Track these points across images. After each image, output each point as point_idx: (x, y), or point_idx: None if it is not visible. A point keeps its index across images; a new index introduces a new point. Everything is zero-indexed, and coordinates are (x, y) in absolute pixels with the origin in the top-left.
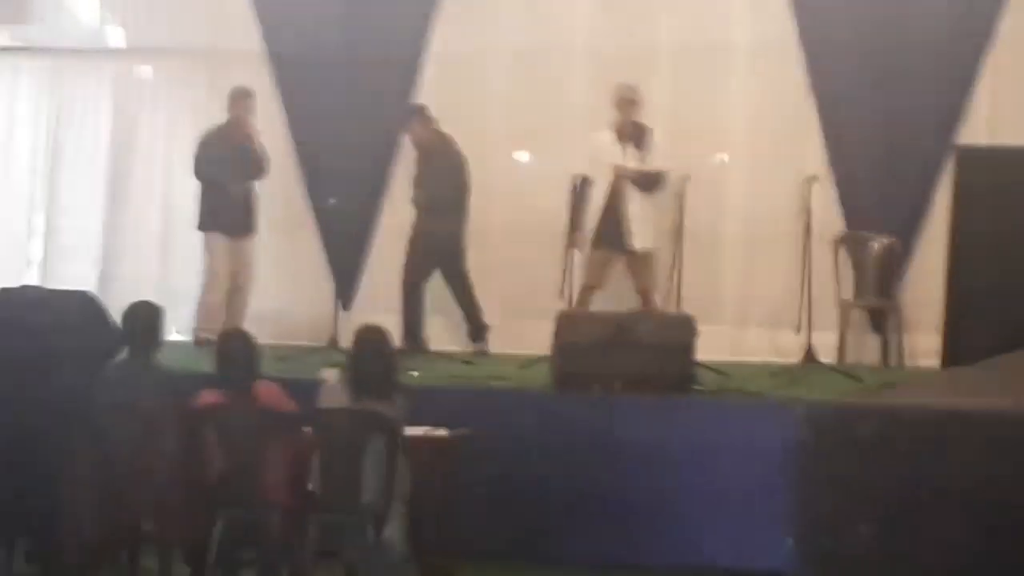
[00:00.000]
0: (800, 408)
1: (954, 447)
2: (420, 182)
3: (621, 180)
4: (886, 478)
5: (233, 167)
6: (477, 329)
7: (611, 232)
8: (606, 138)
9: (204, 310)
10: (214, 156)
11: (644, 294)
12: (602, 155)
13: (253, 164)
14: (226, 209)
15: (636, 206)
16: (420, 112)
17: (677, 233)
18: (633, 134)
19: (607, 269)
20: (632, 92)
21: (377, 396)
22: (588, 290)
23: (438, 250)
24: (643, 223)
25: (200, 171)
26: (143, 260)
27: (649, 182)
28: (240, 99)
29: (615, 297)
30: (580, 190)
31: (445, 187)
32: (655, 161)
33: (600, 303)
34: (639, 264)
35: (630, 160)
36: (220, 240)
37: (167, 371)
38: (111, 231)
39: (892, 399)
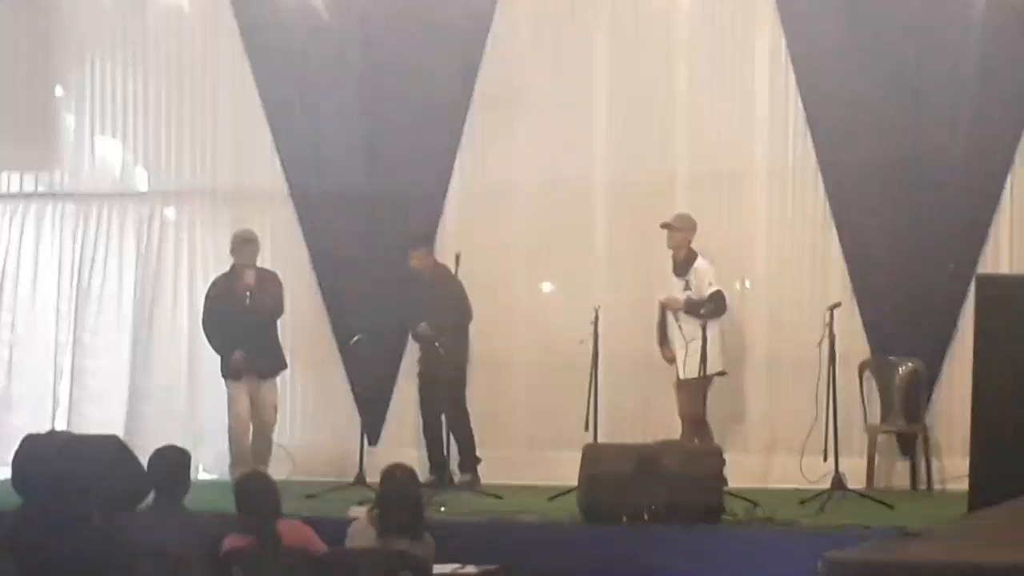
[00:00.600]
0: (820, 561)
1: None
2: (423, 312)
3: (674, 312)
4: None
5: (237, 315)
6: (470, 460)
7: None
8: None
9: (233, 459)
10: (217, 308)
11: (684, 421)
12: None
13: (263, 305)
14: (237, 355)
15: (684, 333)
16: (423, 242)
17: (700, 361)
18: (680, 261)
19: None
20: (687, 221)
21: (406, 535)
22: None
23: (446, 379)
24: (688, 351)
25: (206, 325)
26: (170, 401)
27: (697, 308)
28: (240, 245)
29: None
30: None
31: (449, 316)
32: (701, 289)
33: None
34: (680, 391)
35: (678, 291)
36: (238, 386)
37: (195, 514)
38: (137, 372)
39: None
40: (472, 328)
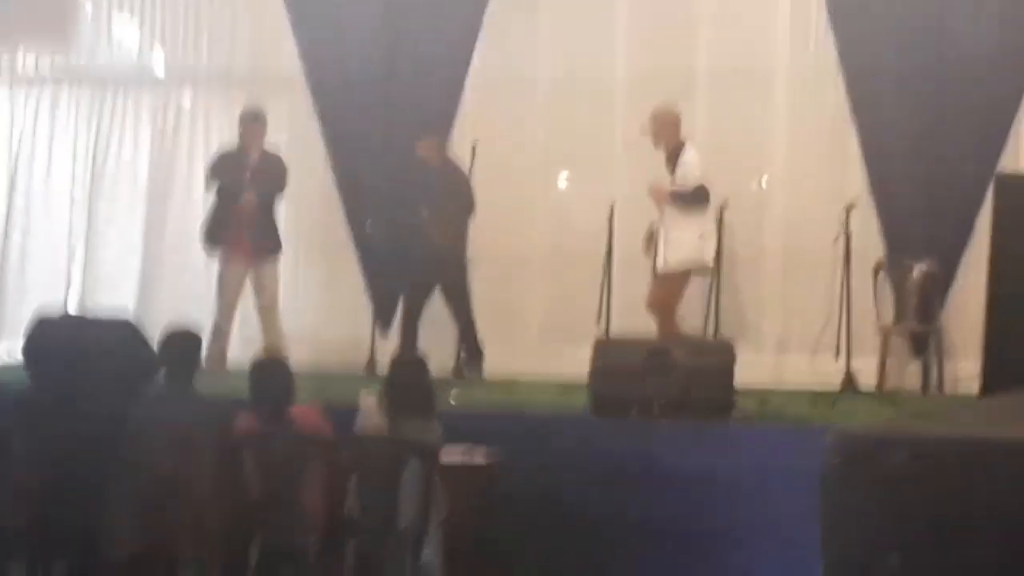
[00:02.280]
0: (829, 434)
1: (984, 477)
2: (425, 201)
3: (660, 202)
4: (915, 508)
5: (245, 180)
6: (473, 353)
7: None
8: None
9: (219, 340)
10: (225, 170)
11: (660, 314)
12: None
13: (264, 184)
14: (238, 232)
15: (668, 226)
16: (435, 132)
17: (715, 258)
18: (668, 154)
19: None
20: (670, 113)
21: (416, 418)
22: (658, 315)
23: (440, 267)
24: (670, 245)
25: (210, 184)
26: (183, 287)
27: (683, 200)
28: (248, 120)
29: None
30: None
31: (452, 207)
32: (688, 179)
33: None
34: (657, 283)
35: (666, 182)
36: (231, 266)
37: (204, 396)
38: (150, 258)
39: (921, 427)
40: (486, 219)
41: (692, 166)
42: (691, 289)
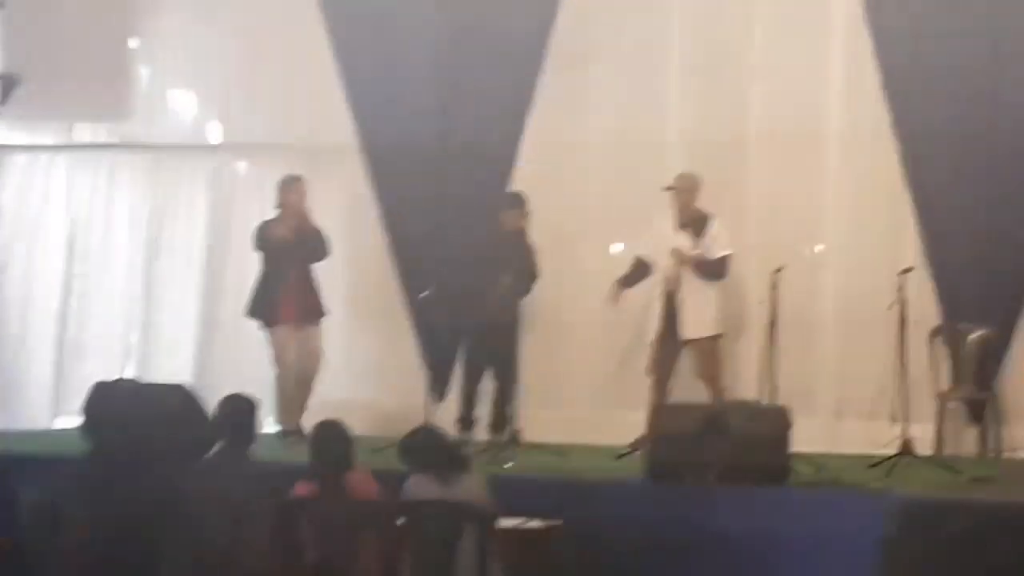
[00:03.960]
0: (888, 501)
1: None
2: (503, 270)
3: (680, 267)
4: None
5: (290, 253)
6: (505, 421)
7: (670, 320)
8: (664, 223)
9: (281, 402)
10: (270, 245)
11: (709, 382)
12: (660, 239)
13: (310, 249)
14: (284, 298)
15: (691, 293)
16: (520, 200)
17: (769, 324)
18: (692, 221)
19: (668, 357)
20: (689, 180)
21: (459, 480)
22: (652, 379)
23: (503, 334)
24: (700, 311)
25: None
26: (240, 353)
27: (706, 269)
28: (289, 185)
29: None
30: (634, 270)
31: (524, 277)
32: (713, 249)
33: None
34: (696, 352)
35: (688, 247)
36: (280, 332)
37: (262, 464)
38: (207, 325)
39: (978, 495)
40: (538, 287)
41: (723, 237)
42: (746, 355)
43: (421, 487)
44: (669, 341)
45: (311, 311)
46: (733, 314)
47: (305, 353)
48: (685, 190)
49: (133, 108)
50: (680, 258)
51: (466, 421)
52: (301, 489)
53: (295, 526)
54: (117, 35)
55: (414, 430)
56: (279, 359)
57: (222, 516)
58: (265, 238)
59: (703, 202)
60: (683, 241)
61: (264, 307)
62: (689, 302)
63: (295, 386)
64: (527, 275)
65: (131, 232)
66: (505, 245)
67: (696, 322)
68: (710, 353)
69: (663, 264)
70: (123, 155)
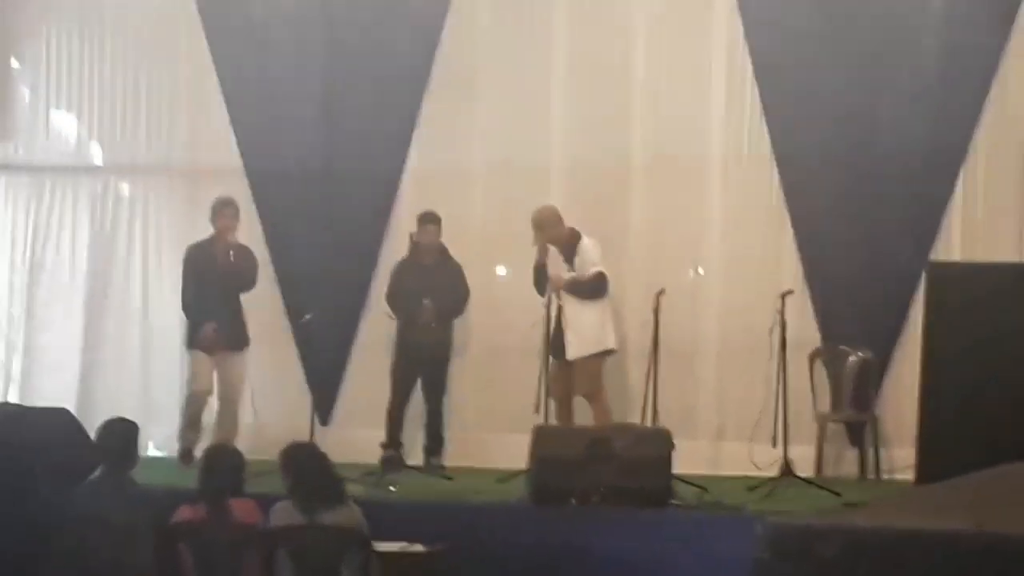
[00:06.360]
0: (760, 526)
1: (914, 568)
2: (426, 291)
3: (558, 290)
4: None
5: (219, 282)
6: (439, 443)
7: (558, 343)
8: (539, 258)
9: (190, 420)
10: (199, 274)
11: (592, 401)
12: (539, 272)
13: (237, 277)
14: (210, 323)
15: (572, 314)
16: (434, 219)
17: (652, 347)
18: (561, 248)
19: (564, 379)
20: (544, 214)
21: (329, 506)
22: (556, 402)
23: (434, 361)
24: (580, 332)
25: (186, 293)
26: (122, 376)
27: (582, 289)
28: (221, 209)
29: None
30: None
31: (451, 297)
32: (587, 267)
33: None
34: (576, 372)
35: (563, 271)
36: (203, 357)
37: (142, 488)
38: (90, 348)
39: (853, 519)
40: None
41: (591, 253)
42: (628, 378)
43: (286, 514)
44: (557, 364)
45: (236, 339)
46: (615, 337)
47: (227, 379)
48: (547, 224)
49: (14, 129)
50: (556, 284)
51: (394, 442)
52: (184, 512)
53: (175, 550)
54: None
55: (296, 444)
56: (192, 383)
57: (104, 539)
58: (196, 262)
59: (583, 225)
60: (557, 266)
61: (191, 330)
62: (570, 325)
63: (218, 414)
64: (456, 295)
65: (12, 254)
66: (425, 263)
67: (577, 343)
68: (593, 373)
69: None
70: (3, 176)
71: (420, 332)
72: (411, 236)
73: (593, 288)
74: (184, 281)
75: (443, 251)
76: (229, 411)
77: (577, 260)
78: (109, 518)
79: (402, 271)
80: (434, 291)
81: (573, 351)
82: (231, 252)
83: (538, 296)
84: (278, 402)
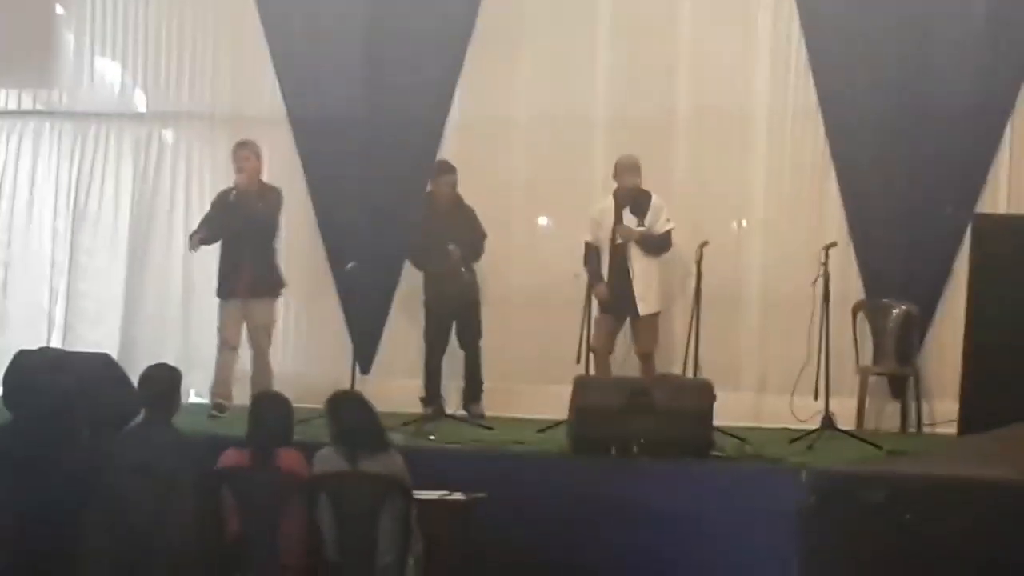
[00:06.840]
0: (805, 472)
1: (957, 515)
2: (444, 238)
3: (624, 243)
4: (889, 544)
5: (239, 227)
6: (479, 387)
7: (618, 297)
8: (607, 205)
9: (217, 374)
10: (220, 221)
11: (644, 358)
12: (604, 220)
13: (255, 221)
14: (235, 273)
15: (641, 269)
16: (451, 167)
17: (695, 299)
18: (633, 200)
19: (615, 334)
20: (631, 160)
21: (372, 453)
22: (598, 355)
23: (466, 306)
24: (648, 289)
25: (208, 238)
26: (164, 323)
27: (652, 244)
28: (234, 151)
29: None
30: (590, 255)
31: (471, 241)
32: (656, 225)
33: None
34: (641, 328)
35: (634, 225)
36: (231, 304)
37: (184, 434)
38: (132, 295)
39: (896, 467)
40: None
41: (663, 213)
42: (672, 329)
43: (330, 461)
44: (612, 318)
45: (264, 285)
46: (660, 289)
47: (254, 327)
48: (632, 171)
49: (58, 76)
50: (628, 236)
51: (433, 396)
52: (230, 457)
53: (219, 495)
54: (42, 2)
55: (342, 392)
56: (219, 333)
57: (144, 486)
58: (215, 207)
59: None
60: (628, 219)
61: (219, 279)
62: (639, 280)
63: (253, 359)
64: (474, 238)
65: (56, 201)
66: (443, 213)
67: (646, 300)
68: (653, 329)
69: (608, 244)
70: (47, 122)
71: (448, 280)
72: (428, 188)
73: (663, 244)
74: (208, 226)
75: (457, 197)
76: (261, 359)
77: (650, 217)
78: (151, 464)
79: (421, 225)
80: (455, 236)
81: (645, 307)
82: (251, 195)
83: (578, 246)
84: (319, 350)
